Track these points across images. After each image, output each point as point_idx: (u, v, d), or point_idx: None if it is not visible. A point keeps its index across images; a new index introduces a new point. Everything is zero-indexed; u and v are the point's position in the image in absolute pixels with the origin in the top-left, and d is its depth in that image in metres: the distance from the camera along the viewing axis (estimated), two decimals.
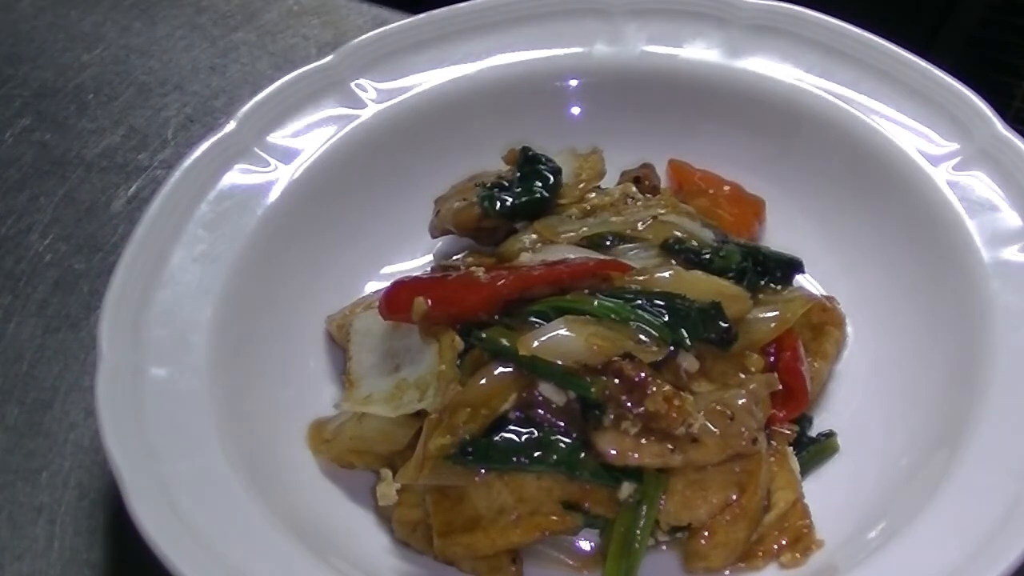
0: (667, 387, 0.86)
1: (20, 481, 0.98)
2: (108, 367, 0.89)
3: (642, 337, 0.87)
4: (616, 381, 0.86)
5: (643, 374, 0.85)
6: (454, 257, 1.02)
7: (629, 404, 0.85)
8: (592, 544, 0.90)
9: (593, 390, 0.85)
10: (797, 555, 0.88)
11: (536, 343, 0.86)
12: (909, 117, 1.03)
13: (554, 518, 0.87)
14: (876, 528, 0.87)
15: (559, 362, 0.86)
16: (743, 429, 0.87)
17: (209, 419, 0.89)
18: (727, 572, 0.89)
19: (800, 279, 1.01)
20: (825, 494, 0.92)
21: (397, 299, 0.92)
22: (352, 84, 1.08)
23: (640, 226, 0.97)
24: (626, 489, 0.87)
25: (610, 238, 0.97)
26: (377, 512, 0.93)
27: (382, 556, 0.91)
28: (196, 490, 0.85)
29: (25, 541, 0.95)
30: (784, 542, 0.89)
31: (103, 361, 0.89)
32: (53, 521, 0.96)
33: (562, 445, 0.86)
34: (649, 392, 0.85)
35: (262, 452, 0.91)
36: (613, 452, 0.85)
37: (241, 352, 0.95)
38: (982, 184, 0.99)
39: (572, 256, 0.94)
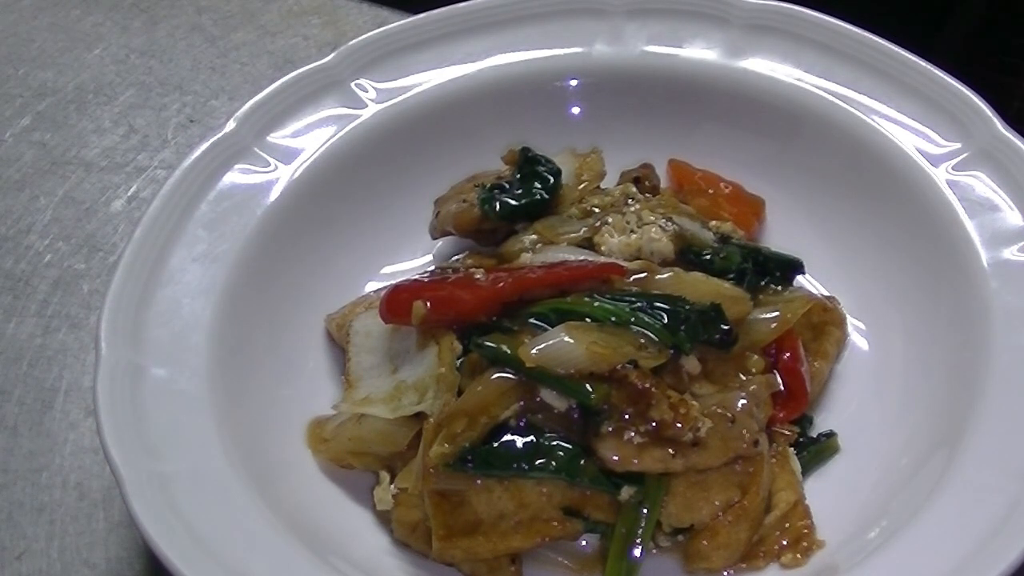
0: (672, 394, 0.86)
1: (20, 481, 0.99)
2: (108, 367, 0.89)
3: (643, 342, 0.87)
4: (620, 389, 0.85)
5: (647, 383, 0.85)
6: (454, 258, 1.02)
7: (634, 412, 0.85)
8: (592, 546, 0.90)
9: (594, 397, 0.85)
10: (798, 555, 0.88)
11: (537, 351, 0.86)
12: (909, 117, 1.03)
13: (555, 524, 0.87)
14: (876, 528, 0.87)
15: (560, 370, 0.85)
16: (744, 431, 0.87)
17: (209, 419, 0.89)
18: (728, 572, 0.89)
19: (800, 279, 1.01)
20: (826, 494, 0.92)
21: (396, 302, 0.92)
22: (352, 84, 1.08)
23: None
24: (627, 490, 0.86)
25: None
26: (376, 512, 0.92)
27: (382, 556, 0.90)
28: (196, 490, 0.85)
29: (25, 541, 0.95)
30: (785, 542, 0.89)
31: (103, 361, 0.89)
32: (53, 521, 0.96)
33: (562, 452, 0.86)
34: (654, 400, 0.85)
35: (262, 452, 0.91)
36: (615, 458, 0.85)
37: (241, 352, 0.95)
38: (982, 184, 0.99)
39: (572, 257, 0.94)
